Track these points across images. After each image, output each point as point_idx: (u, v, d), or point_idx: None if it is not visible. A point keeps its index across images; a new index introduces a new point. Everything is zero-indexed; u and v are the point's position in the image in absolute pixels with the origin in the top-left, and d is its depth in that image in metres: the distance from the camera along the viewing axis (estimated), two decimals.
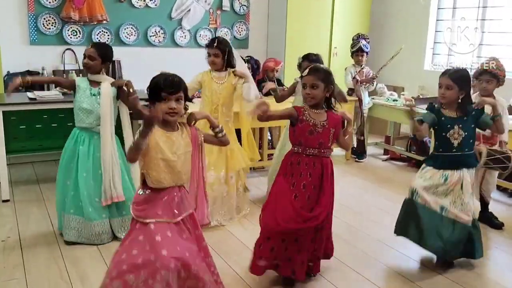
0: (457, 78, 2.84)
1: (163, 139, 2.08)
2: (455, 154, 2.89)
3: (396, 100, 5.40)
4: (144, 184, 2.15)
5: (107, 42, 5.43)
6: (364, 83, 5.40)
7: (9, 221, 3.55)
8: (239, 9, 6.22)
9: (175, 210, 2.14)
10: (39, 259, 2.99)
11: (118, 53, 5.36)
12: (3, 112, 3.90)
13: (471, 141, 2.92)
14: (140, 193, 2.16)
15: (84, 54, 3.17)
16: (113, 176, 3.16)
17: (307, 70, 2.62)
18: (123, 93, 3.21)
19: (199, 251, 2.20)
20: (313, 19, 6.20)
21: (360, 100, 5.40)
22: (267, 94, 4.24)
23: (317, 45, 6.17)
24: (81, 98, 3.16)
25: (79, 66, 5.09)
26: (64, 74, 4.97)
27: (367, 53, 5.43)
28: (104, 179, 3.14)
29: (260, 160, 4.91)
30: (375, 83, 5.49)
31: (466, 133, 2.87)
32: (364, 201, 4.22)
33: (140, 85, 5.05)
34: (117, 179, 3.18)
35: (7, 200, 3.94)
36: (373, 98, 5.63)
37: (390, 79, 6.30)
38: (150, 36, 5.70)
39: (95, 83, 3.20)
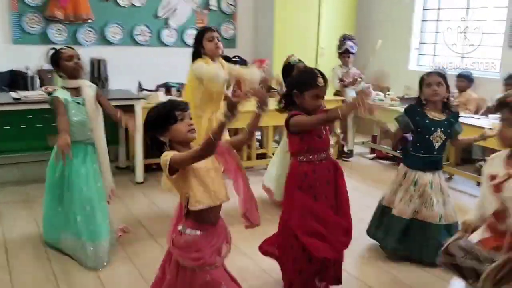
0: (444, 76, 2.90)
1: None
2: (435, 156, 2.95)
3: (382, 100, 5.44)
4: (186, 218, 1.95)
5: (92, 41, 5.38)
6: (351, 86, 5.42)
7: None
8: (227, 9, 6.21)
9: (220, 249, 2.01)
10: (24, 261, 2.95)
11: (103, 52, 5.37)
12: None
13: (445, 144, 2.97)
14: (182, 230, 1.95)
15: (72, 56, 2.87)
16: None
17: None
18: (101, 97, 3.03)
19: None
20: (300, 18, 6.21)
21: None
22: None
23: (304, 45, 6.19)
24: (72, 112, 2.84)
25: None
26: (49, 74, 4.91)
27: (353, 54, 5.45)
28: (104, 177, 3.03)
29: (249, 160, 4.92)
30: (362, 83, 5.51)
31: (445, 137, 2.92)
32: (351, 199, 4.22)
33: (126, 85, 5.07)
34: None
35: None
36: None
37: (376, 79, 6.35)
38: (136, 35, 5.65)
39: (74, 90, 2.90)
